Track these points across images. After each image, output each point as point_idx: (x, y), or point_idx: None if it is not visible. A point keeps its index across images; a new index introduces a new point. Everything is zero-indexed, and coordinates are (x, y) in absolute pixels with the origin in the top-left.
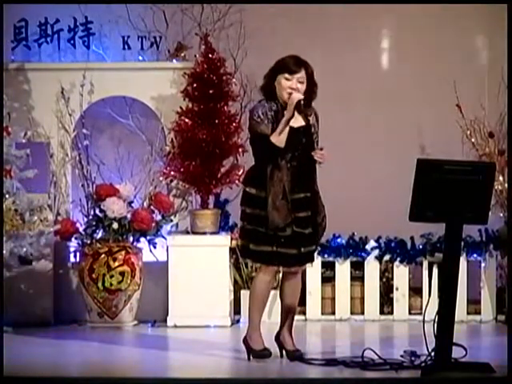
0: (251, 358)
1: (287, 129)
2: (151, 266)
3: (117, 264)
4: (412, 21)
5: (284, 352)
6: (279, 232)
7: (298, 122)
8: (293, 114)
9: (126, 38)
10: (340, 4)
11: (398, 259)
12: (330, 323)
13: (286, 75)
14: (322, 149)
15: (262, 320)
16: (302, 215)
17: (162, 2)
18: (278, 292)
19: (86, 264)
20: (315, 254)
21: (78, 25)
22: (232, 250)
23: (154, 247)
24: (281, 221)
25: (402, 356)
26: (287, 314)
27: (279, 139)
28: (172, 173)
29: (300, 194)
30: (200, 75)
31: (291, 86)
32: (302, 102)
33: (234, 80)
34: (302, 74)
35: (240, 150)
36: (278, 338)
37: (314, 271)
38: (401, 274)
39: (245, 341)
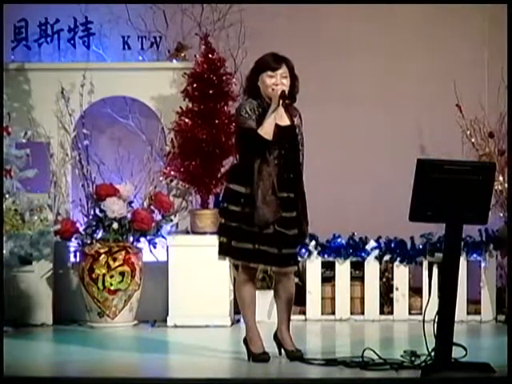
0: (251, 359)
1: (274, 121)
2: (151, 266)
3: (117, 264)
4: (412, 21)
5: (283, 351)
6: (264, 229)
7: (284, 121)
8: (278, 104)
9: (126, 38)
10: (340, 4)
11: (398, 259)
12: (330, 323)
13: (269, 73)
14: None
15: (261, 320)
16: (284, 215)
17: (162, 2)
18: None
19: (86, 264)
20: (298, 257)
21: (78, 25)
22: None
23: (154, 247)
24: (271, 215)
25: (401, 356)
26: (283, 312)
27: (266, 131)
28: (172, 173)
29: (283, 193)
30: (200, 75)
31: (275, 83)
32: (287, 94)
33: (234, 80)
34: (284, 70)
35: None
36: (276, 336)
37: (314, 271)
38: (401, 274)
39: (245, 341)
